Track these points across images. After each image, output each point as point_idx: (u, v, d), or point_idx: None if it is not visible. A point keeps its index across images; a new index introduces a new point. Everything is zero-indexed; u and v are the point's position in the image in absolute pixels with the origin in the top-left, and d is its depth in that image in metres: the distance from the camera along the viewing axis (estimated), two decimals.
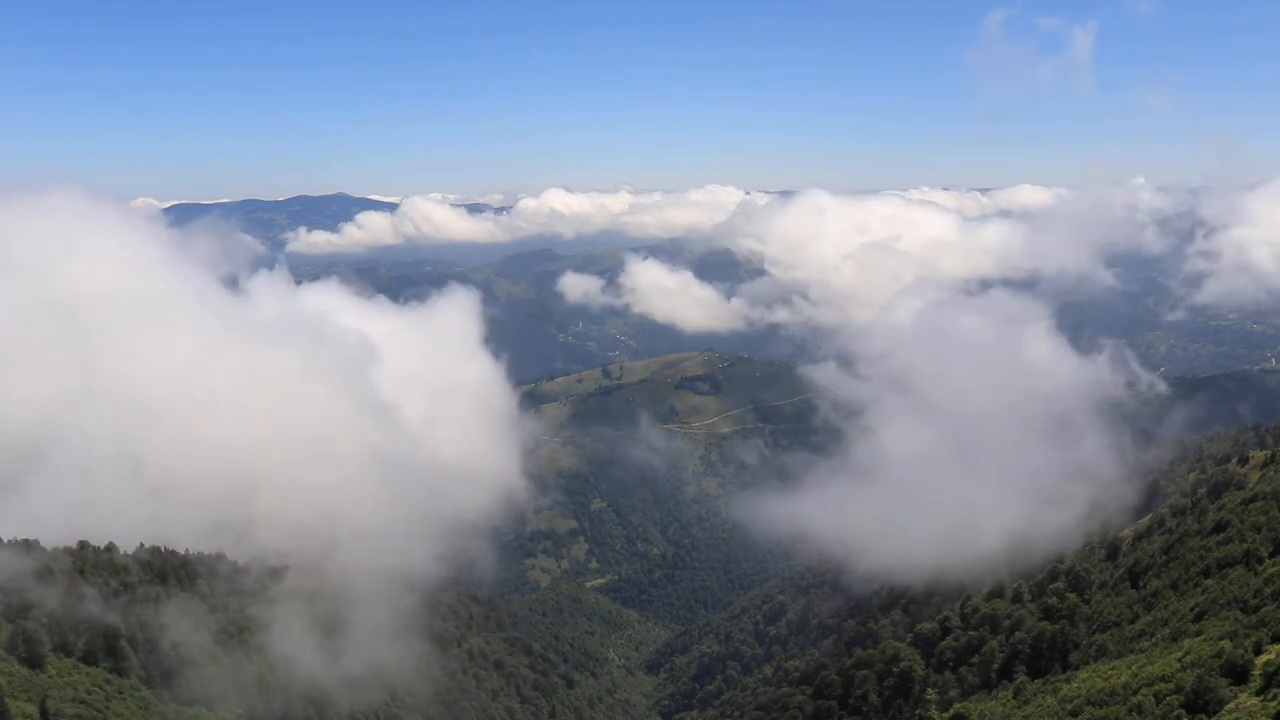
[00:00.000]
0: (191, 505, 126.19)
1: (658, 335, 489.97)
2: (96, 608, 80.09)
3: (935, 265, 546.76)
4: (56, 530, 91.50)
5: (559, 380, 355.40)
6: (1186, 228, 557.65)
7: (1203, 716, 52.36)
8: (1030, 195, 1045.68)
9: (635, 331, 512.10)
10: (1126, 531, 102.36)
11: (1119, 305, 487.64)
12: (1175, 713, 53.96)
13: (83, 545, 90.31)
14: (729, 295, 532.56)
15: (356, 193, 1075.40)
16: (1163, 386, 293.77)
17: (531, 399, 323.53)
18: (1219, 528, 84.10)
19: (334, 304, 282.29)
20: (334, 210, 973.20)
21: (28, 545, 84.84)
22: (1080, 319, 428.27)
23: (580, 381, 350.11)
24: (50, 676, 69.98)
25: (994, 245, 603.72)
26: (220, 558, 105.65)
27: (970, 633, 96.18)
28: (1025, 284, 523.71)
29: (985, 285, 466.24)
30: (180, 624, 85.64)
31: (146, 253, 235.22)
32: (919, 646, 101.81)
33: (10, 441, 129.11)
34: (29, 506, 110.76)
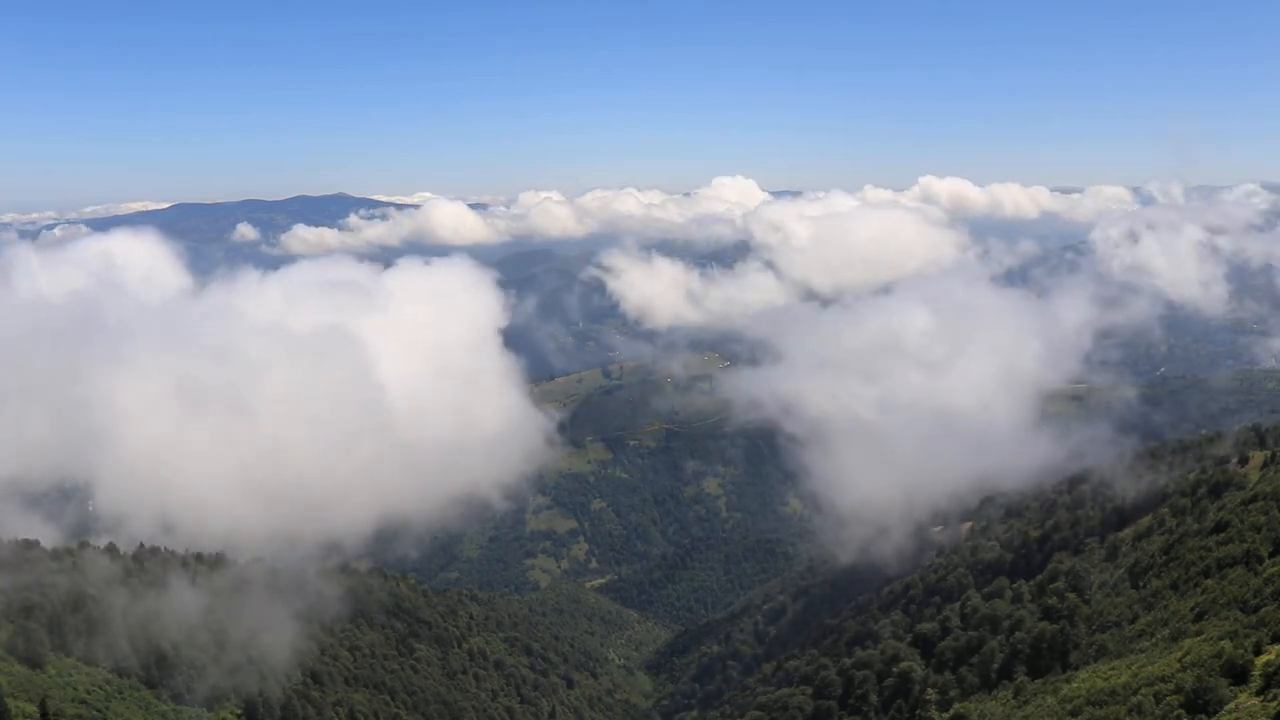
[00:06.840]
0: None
1: (658, 335, 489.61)
2: (97, 607, 80.00)
3: (932, 262, 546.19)
4: None
5: (559, 380, 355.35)
6: (1184, 228, 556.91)
7: (1203, 717, 52.32)
8: (1025, 194, 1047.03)
9: (636, 332, 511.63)
10: (1126, 531, 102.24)
11: (1119, 305, 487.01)
12: (1175, 713, 53.91)
13: (82, 544, 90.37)
14: (729, 295, 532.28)
15: (356, 192, 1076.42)
16: (1164, 386, 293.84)
17: (531, 399, 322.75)
18: (1219, 528, 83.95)
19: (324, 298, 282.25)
20: (334, 210, 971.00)
21: (27, 545, 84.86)
22: (1079, 317, 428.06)
23: (580, 381, 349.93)
24: (50, 676, 69.93)
25: (990, 244, 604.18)
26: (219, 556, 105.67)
27: (970, 633, 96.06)
28: (1021, 284, 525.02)
29: (981, 282, 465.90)
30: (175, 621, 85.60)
31: None
32: (919, 646, 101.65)
33: None
34: None
